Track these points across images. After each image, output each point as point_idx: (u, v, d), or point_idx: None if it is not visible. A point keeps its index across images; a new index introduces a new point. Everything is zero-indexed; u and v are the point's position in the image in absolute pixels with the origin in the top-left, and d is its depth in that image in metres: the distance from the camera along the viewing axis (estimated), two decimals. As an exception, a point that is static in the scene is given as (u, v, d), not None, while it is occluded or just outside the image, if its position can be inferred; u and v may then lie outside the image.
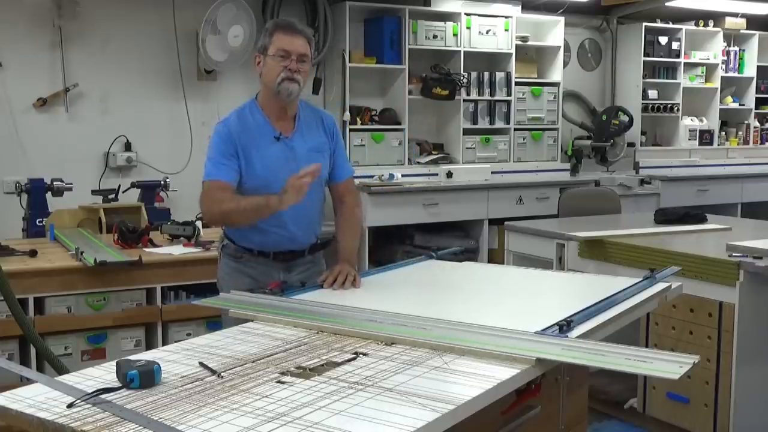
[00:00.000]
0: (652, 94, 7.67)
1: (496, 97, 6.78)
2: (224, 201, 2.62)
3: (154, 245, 3.84)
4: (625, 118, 7.25)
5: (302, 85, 2.70)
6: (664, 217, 4.51)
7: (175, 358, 1.86)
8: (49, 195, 4.62)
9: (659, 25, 7.64)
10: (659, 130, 7.95)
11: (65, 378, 1.74)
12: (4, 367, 1.93)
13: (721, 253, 3.45)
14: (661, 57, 7.63)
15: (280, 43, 2.66)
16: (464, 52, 6.54)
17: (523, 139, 6.96)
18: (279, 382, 1.68)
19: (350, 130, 6.17)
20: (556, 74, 7.08)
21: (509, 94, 6.82)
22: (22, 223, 4.63)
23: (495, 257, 6.11)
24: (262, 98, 2.77)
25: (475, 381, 1.69)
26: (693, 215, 4.48)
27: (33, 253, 3.58)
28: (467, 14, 6.54)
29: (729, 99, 8.21)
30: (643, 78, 7.56)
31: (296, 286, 2.61)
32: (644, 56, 7.51)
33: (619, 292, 2.46)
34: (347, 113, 6.14)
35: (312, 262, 2.85)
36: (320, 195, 2.85)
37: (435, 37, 6.44)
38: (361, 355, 1.87)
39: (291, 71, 2.65)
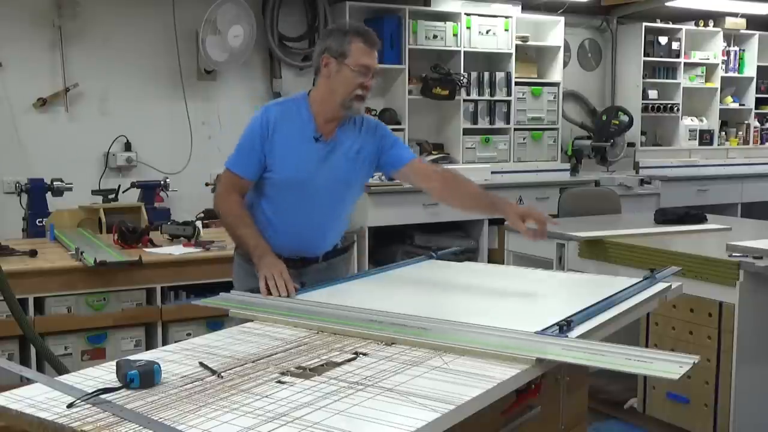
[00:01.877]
0: (652, 94, 7.67)
1: (496, 97, 6.79)
2: (232, 209, 2.62)
3: (154, 245, 3.84)
4: (625, 118, 7.26)
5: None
6: (664, 217, 4.51)
7: (175, 358, 1.86)
8: (49, 195, 4.62)
9: (659, 25, 7.65)
10: (659, 130, 7.95)
11: (65, 378, 1.74)
12: (4, 367, 1.93)
13: (721, 253, 3.45)
14: (661, 57, 7.63)
15: (361, 57, 2.53)
16: (464, 52, 6.54)
17: (523, 139, 6.96)
18: (279, 382, 1.68)
19: (350, 130, 6.16)
20: (556, 74, 7.09)
21: (509, 94, 6.82)
22: (22, 223, 4.63)
23: (495, 257, 6.11)
24: (314, 97, 2.64)
25: (475, 381, 1.69)
26: (693, 215, 4.48)
27: (33, 253, 3.58)
28: (467, 14, 6.55)
29: (729, 99, 8.22)
30: (643, 78, 7.56)
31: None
32: (644, 56, 7.51)
33: (619, 292, 2.45)
34: (347, 113, 6.13)
35: (327, 269, 2.75)
36: (345, 204, 2.75)
37: (435, 37, 6.45)
38: (361, 355, 1.87)
39: (367, 89, 2.56)
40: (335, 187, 2.65)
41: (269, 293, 2.44)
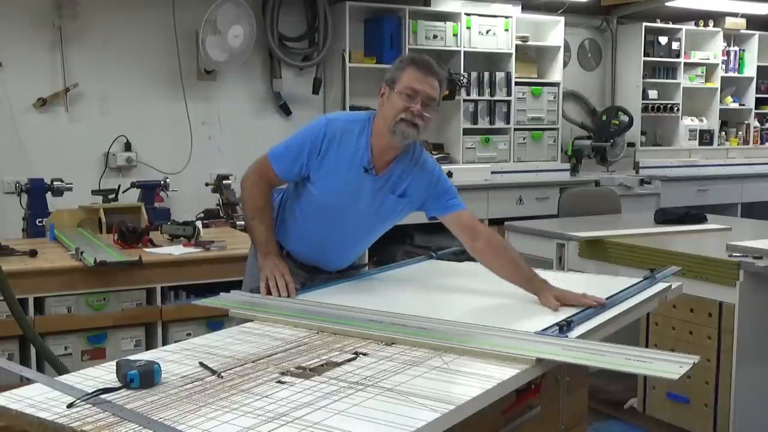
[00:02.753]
0: (652, 94, 7.67)
1: (496, 97, 6.79)
2: (255, 197, 2.59)
3: (154, 245, 3.84)
4: (625, 118, 7.26)
5: (422, 131, 2.47)
6: (664, 217, 4.51)
7: (175, 358, 1.86)
8: (49, 195, 4.62)
9: (659, 25, 7.65)
10: (659, 130, 7.95)
11: (65, 378, 1.74)
12: (4, 367, 1.93)
13: (721, 253, 3.45)
14: (661, 57, 7.63)
15: (409, 81, 2.43)
16: (464, 52, 6.55)
17: (523, 139, 6.96)
18: (279, 382, 1.68)
19: (350, 130, 6.16)
20: (556, 74, 7.09)
21: (509, 94, 6.82)
22: (22, 223, 4.63)
23: (495, 257, 6.09)
24: (376, 126, 2.53)
25: (475, 381, 1.69)
26: (693, 215, 4.48)
27: (33, 253, 3.58)
28: (467, 14, 6.55)
29: (729, 99, 8.22)
30: (643, 78, 7.56)
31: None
32: (644, 56, 7.51)
33: (619, 292, 2.46)
34: (347, 113, 6.14)
35: (336, 278, 2.76)
36: (376, 234, 2.72)
37: (435, 37, 6.45)
38: (361, 355, 1.87)
39: (413, 114, 2.42)
40: (370, 220, 2.63)
41: (269, 293, 2.45)
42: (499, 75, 6.78)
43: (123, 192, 5.14)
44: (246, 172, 2.66)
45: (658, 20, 7.67)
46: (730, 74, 8.11)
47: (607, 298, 2.35)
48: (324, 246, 2.68)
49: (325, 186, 2.55)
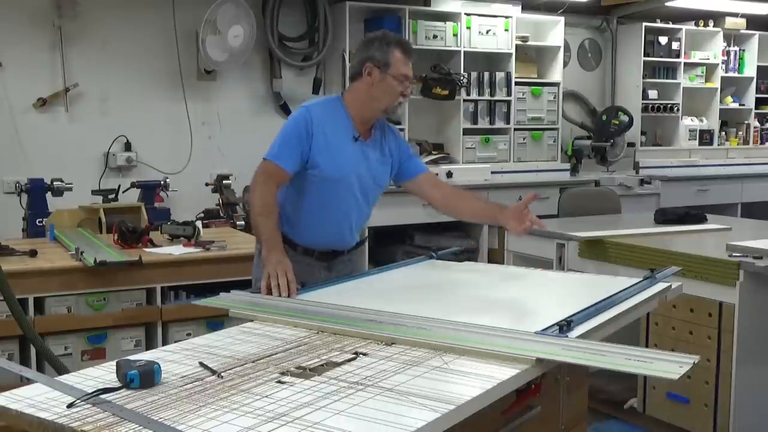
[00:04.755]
0: (652, 94, 7.67)
1: (496, 97, 6.79)
2: (265, 196, 2.66)
3: (154, 245, 3.84)
4: (625, 118, 7.26)
5: None
6: (664, 217, 4.51)
7: (175, 358, 1.86)
8: (49, 195, 4.62)
9: (659, 25, 7.65)
10: (659, 130, 7.95)
11: (65, 378, 1.74)
12: (4, 367, 1.93)
13: (721, 253, 3.45)
14: (661, 57, 7.63)
15: (402, 67, 2.71)
16: (464, 52, 6.54)
17: (523, 139, 6.96)
18: (279, 382, 1.68)
19: (350, 130, 6.16)
20: (556, 74, 7.09)
21: (509, 94, 6.82)
22: (22, 223, 4.63)
23: (495, 257, 6.11)
24: (351, 101, 2.78)
25: (475, 381, 1.69)
26: (693, 215, 4.48)
27: (33, 253, 3.58)
28: (467, 14, 6.55)
29: (729, 99, 8.22)
30: (643, 78, 7.56)
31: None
32: (644, 56, 7.51)
33: (619, 292, 2.45)
34: (347, 113, 6.13)
35: (349, 260, 2.90)
36: (373, 201, 2.90)
37: (435, 37, 6.45)
38: (361, 355, 1.87)
39: (405, 96, 2.75)
40: (368, 185, 2.81)
41: (269, 292, 2.45)
42: (499, 75, 6.78)
43: (123, 192, 5.14)
44: (252, 182, 2.74)
45: (658, 20, 7.67)
46: (730, 74, 8.11)
47: (607, 298, 2.35)
48: (336, 224, 2.80)
49: (326, 162, 2.70)
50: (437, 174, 3.14)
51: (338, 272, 2.83)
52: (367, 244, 3.01)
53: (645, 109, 7.58)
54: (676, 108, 7.73)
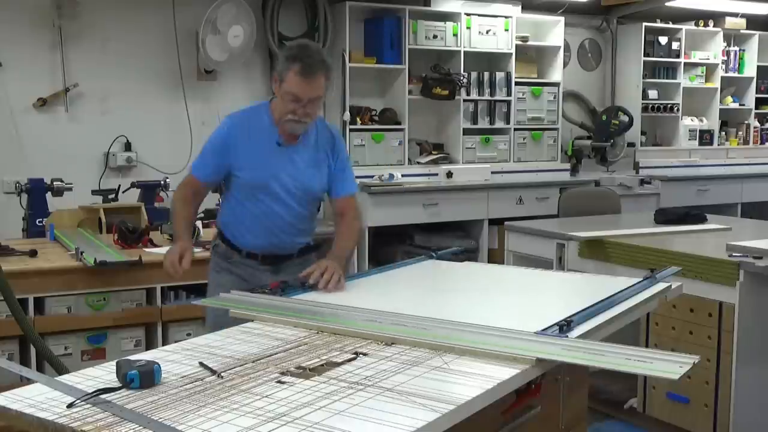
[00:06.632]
0: (652, 94, 7.66)
1: (496, 97, 6.78)
2: (180, 200, 2.88)
3: (154, 245, 3.84)
4: (625, 118, 7.25)
5: (311, 121, 2.77)
6: (664, 217, 4.51)
7: (175, 358, 1.86)
8: (49, 195, 4.62)
9: (659, 25, 7.64)
10: (659, 130, 7.95)
11: (65, 378, 1.74)
12: (4, 367, 1.94)
13: (721, 253, 3.45)
14: (661, 57, 7.63)
15: (293, 86, 2.65)
16: (464, 52, 6.54)
17: (523, 139, 6.95)
18: (279, 382, 1.69)
19: (350, 130, 6.16)
20: (556, 74, 7.08)
21: (509, 94, 6.82)
22: (22, 223, 4.63)
23: (495, 257, 6.11)
24: (273, 107, 2.80)
25: (475, 381, 1.69)
26: (693, 215, 4.48)
27: (33, 253, 3.58)
28: (467, 14, 6.54)
29: (729, 99, 8.21)
30: (643, 78, 7.55)
31: (296, 286, 2.61)
32: (644, 56, 7.50)
33: (619, 292, 2.46)
34: (347, 113, 6.14)
35: (302, 264, 2.83)
36: (309, 206, 2.91)
37: (435, 37, 6.44)
38: (361, 355, 1.87)
39: (296, 115, 2.69)
40: (295, 189, 2.82)
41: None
42: (499, 75, 6.77)
43: (123, 192, 5.14)
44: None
45: (658, 20, 7.66)
46: (730, 74, 8.10)
47: (607, 299, 2.35)
48: (270, 227, 2.83)
49: (247, 167, 2.77)
50: (360, 203, 3.07)
51: (288, 275, 2.79)
52: (322, 248, 2.97)
53: (645, 109, 7.58)
54: (676, 108, 7.73)
